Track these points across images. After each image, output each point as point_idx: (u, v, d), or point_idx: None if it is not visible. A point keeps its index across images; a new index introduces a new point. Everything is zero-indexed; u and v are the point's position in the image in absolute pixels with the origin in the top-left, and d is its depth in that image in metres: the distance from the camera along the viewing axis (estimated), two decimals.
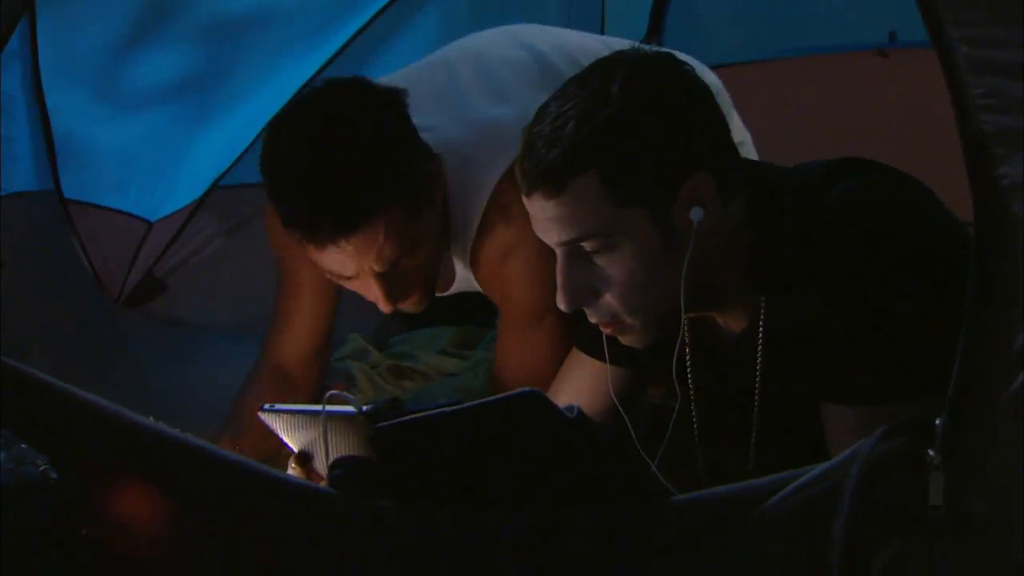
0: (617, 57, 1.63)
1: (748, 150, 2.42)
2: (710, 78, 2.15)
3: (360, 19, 3.02)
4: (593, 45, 2.27)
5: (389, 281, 1.93)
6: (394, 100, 1.92)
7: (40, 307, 2.56)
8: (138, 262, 2.87)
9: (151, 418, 1.46)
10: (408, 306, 2.02)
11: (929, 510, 1.26)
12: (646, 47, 2.33)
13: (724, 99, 2.29)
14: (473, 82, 2.14)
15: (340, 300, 2.24)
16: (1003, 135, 1.26)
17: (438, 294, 2.15)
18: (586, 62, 2.17)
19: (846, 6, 3.32)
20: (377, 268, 1.91)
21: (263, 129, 2.00)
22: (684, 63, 1.63)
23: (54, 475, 1.39)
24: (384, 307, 1.97)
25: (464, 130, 2.04)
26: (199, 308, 2.91)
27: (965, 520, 1.26)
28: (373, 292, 1.95)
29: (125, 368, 2.66)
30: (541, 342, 2.04)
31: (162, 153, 2.84)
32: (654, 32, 3.38)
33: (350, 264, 1.90)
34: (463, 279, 2.16)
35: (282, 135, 1.91)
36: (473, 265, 2.08)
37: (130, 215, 2.86)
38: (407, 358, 2.69)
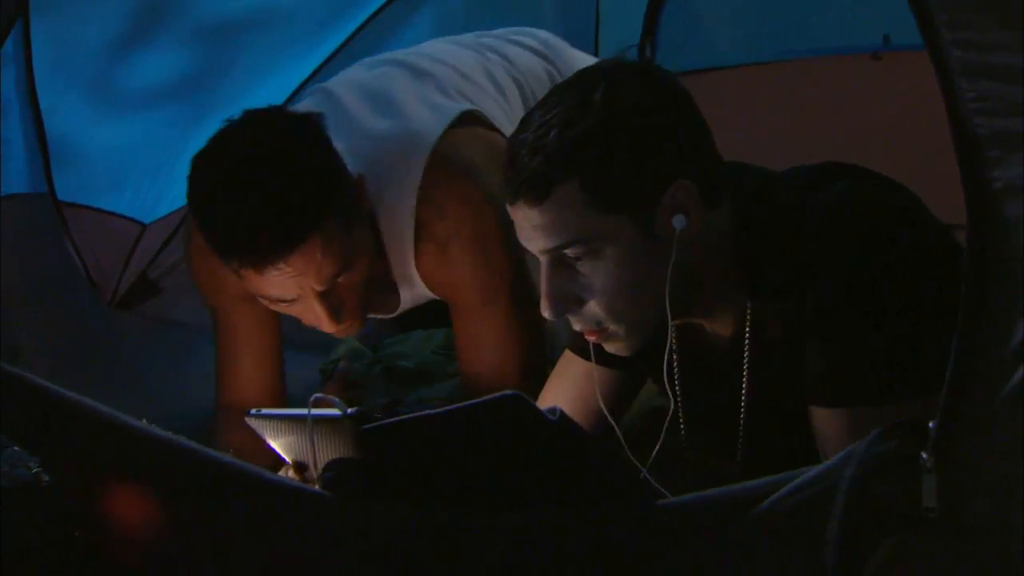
0: (600, 65, 1.65)
1: None
2: None
3: (356, 20, 3.02)
4: (451, 48, 2.35)
5: (330, 300, 1.95)
6: (313, 122, 1.96)
7: (34, 310, 2.56)
8: (132, 264, 2.87)
9: (144, 420, 1.46)
10: (348, 325, 2.02)
11: (923, 512, 1.26)
12: (509, 33, 2.38)
13: None
14: (358, 105, 2.17)
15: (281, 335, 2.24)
16: (996, 138, 1.27)
17: (385, 316, 2.18)
18: (452, 62, 2.27)
19: (840, 10, 3.32)
20: (317, 287, 1.92)
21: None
22: (668, 71, 1.63)
23: (46, 478, 1.39)
24: (327, 327, 1.99)
25: (363, 151, 2.06)
26: (193, 310, 2.90)
27: (962, 521, 1.26)
28: (315, 313, 1.96)
29: (120, 370, 2.67)
30: (495, 326, 2.06)
31: (157, 155, 2.84)
32: (649, 32, 3.38)
33: (291, 286, 1.91)
34: (409, 296, 2.17)
35: (208, 168, 1.92)
36: (420, 272, 2.10)
37: (124, 217, 2.85)
38: (402, 359, 2.70)
